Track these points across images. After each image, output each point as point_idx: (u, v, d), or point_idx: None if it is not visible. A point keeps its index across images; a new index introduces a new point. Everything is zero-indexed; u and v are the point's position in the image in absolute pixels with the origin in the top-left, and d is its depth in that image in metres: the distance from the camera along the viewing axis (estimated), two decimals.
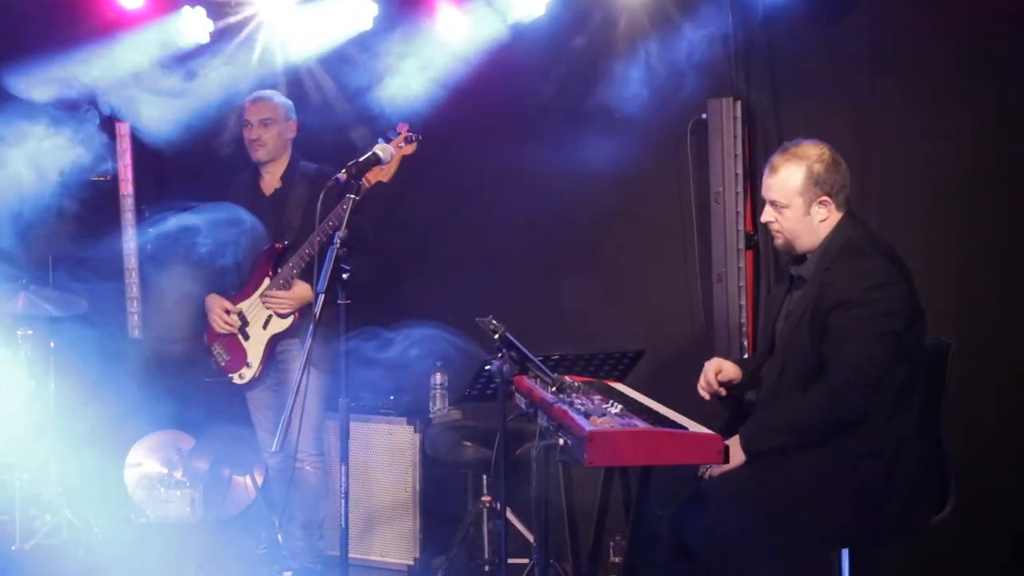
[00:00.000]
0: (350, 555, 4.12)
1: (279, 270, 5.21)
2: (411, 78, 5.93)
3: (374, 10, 6.10)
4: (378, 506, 5.71)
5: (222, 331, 5.33)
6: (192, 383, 6.14)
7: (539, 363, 3.92)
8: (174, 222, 5.78)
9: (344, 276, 4.05)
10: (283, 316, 5.23)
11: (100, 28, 6.40)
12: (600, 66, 5.80)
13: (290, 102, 5.52)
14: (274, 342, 5.32)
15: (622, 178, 5.76)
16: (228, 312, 5.32)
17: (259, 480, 5.98)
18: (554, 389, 3.90)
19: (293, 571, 5.35)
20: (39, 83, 6.19)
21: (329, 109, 6.29)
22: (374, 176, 4.56)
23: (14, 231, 6.43)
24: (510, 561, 4.29)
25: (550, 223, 6.02)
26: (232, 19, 6.40)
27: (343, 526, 4.02)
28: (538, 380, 4.02)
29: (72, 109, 6.34)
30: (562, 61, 5.94)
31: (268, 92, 5.51)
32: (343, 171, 4.20)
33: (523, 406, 4.18)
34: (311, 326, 4.06)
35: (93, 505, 6.13)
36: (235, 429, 5.81)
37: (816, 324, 3.81)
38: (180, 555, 5.68)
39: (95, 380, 6.53)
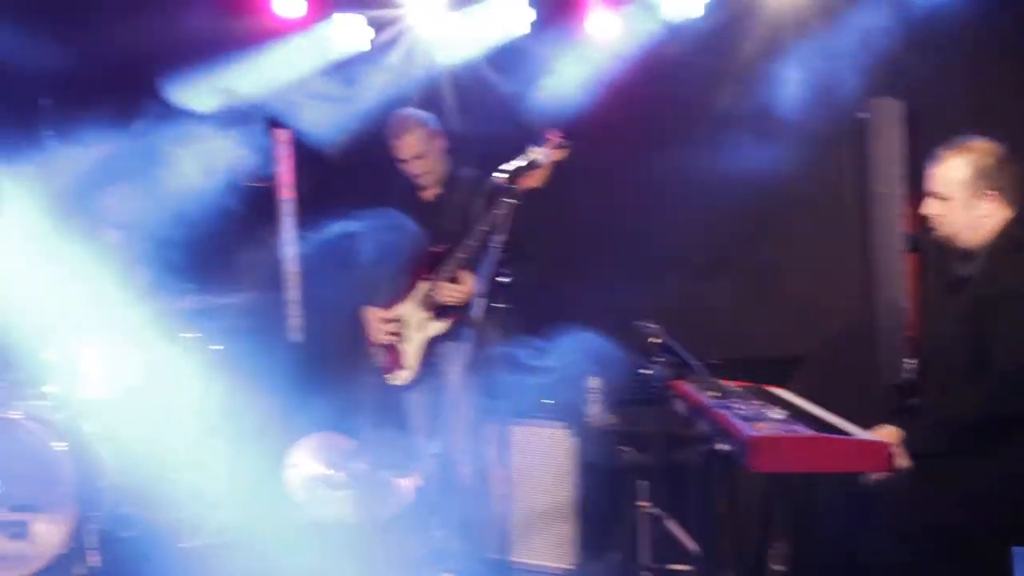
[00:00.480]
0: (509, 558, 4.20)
1: (437, 274, 5.43)
2: (564, 81, 6.08)
3: (531, 15, 6.27)
4: (536, 510, 5.85)
5: (383, 342, 5.57)
6: (351, 385, 6.38)
7: (699, 367, 4.01)
8: (335, 227, 6.04)
9: (503, 281, 4.21)
10: (445, 316, 5.42)
11: (260, 37, 6.74)
12: (757, 66, 5.86)
13: (430, 116, 5.68)
14: (431, 345, 5.52)
15: (779, 179, 5.79)
16: (386, 321, 5.56)
17: (418, 482, 6.17)
18: (714, 394, 3.98)
19: (453, 573, 5.53)
20: (202, 93, 6.56)
21: (483, 113, 6.48)
22: (528, 181, 4.71)
23: (181, 236, 6.80)
24: (669, 567, 4.36)
25: (705, 225, 6.08)
26: (387, 25, 6.67)
27: (504, 529, 4.14)
28: (697, 384, 4.11)
29: (234, 118, 6.69)
30: (718, 61, 6.01)
31: (409, 121, 5.63)
32: (502, 176, 4.36)
33: (682, 411, 4.27)
34: (469, 330, 4.22)
35: (257, 505, 6.43)
36: (394, 431, 6.04)
37: (984, 322, 3.80)
38: (341, 556, 5.90)
39: (257, 382, 6.86)
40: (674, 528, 5.39)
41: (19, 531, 5.49)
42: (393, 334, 5.57)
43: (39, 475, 5.54)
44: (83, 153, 6.29)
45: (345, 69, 6.68)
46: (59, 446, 5.55)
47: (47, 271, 5.68)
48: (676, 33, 6.05)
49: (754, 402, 4.03)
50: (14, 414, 5.56)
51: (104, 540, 5.62)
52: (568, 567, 5.80)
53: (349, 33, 6.62)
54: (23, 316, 5.56)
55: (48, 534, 5.48)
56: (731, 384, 4.08)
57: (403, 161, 5.57)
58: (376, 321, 5.59)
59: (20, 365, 5.84)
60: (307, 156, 7.12)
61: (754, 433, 3.55)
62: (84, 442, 5.80)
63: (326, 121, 6.49)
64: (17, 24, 5.80)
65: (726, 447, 3.69)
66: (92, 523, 5.58)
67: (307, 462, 6.59)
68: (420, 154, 5.53)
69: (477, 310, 4.18)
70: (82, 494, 5.56)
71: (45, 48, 5.87)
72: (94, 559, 5.59)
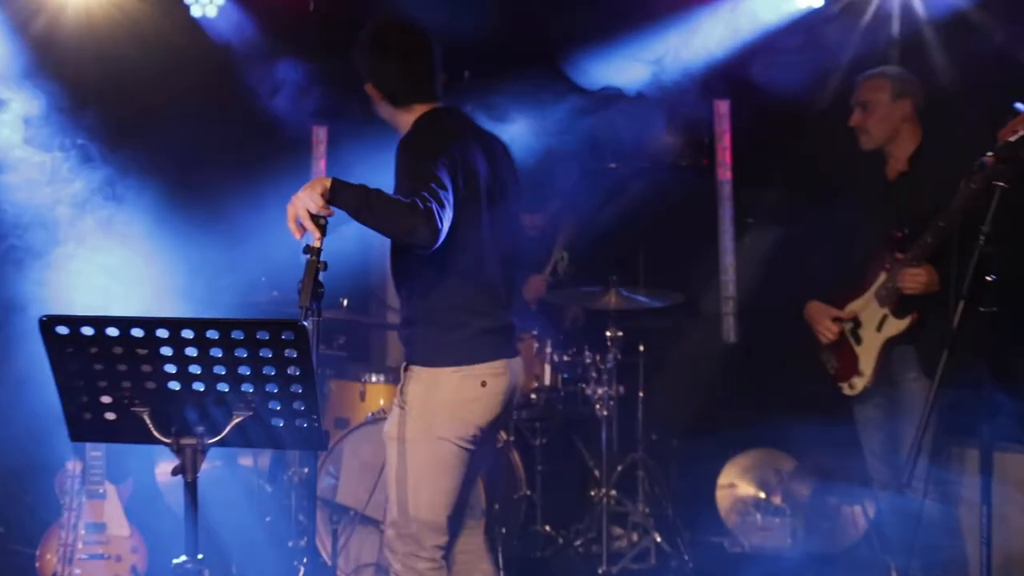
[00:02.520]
0: None
1: (898, 262, 5.30)
2: None
3: None
4: (1016, 555, 5.62)
5: (829, 341, 5.52)
6: (794, 394, 6.36)
7: None
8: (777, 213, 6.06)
9: (987, 279, 4.07)
10: (906, 312, 5.29)
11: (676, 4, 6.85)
12: None
13: (907, 77, 5.53)
14: (888, 347, 5.41)
15: None
16: (837, 318, 5.50)
17: (870, 512, 6.06)
18: None
19: None
20: (627, 65, 6.75)
21: (959, 79, 6.29)
22: None
23: (606, 223, 7.06)
24: None
25: None
26: None
27: (985, 574, 4.03)
28: None
29: (665, 90, 6.84)
30: None
31: (876, 70, 5.56)
32: (989, 154, 4.21)
33: None
34: (945, 335, 4.11)
35: (683, 528, 6.57)
36: (842, 450, 5.97)
37: None
38: None
39: (686, 388, 7.00)
40: None
41: None
42: (845, 334, 5.50)
43: None
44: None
45: (799, 27, 6.65)
46: None
47: None
48: None
49: None
50: None
51: (508, 558, 5.90)
52: None
53: None
54: None
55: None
56: None
57: (865, 133, 5.49)
58: (825, 318, 5.54)
59: None
60: (749, 130, 7.17)
61: None
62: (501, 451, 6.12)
63: (775, 88, 6.48)
64: None
65: None
66: (498, 536, 5.89)
67: (740, 482, 6.65)
68: (869, 103, 5.43)
69: (956, 315, 4.05)
70: (493, 505, 5.89)
71: (466, 20, 6.26)
72: None
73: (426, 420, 4.16)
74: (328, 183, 3.85)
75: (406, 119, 4.34)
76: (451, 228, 4.00)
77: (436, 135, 4.21)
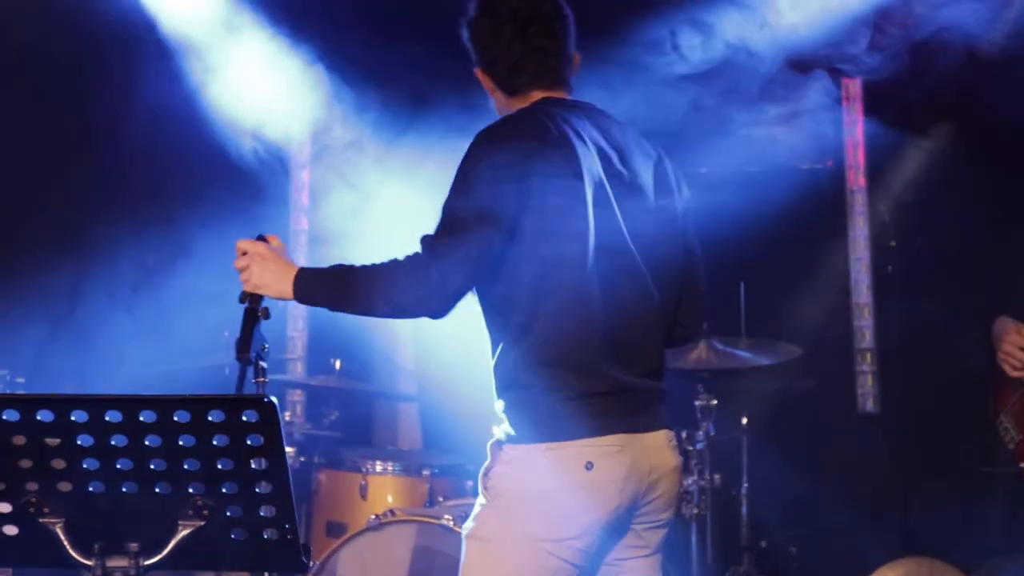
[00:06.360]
0: None
1: None
2: None
3: None
4: None
5: (1017, 373, 5.45)
6: (959, 480, 6.31)
7: None
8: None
9: None
10: None
11: None
12: None
13: None
14: None
15: None
16: None
17: None
18: None
19: None
20: (707, 39, 6.74)
21: None
22: None
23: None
24: None
25: None
26: None
27: None
28: None
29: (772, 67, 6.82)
30: None
31: None
32: None
33: None
34: None
35: None
36: None
37: None
38: None
39: (807, 476, 6.95)
40: None
41: None
42: None
43: None
44: None
45: None
46: None
47: None
48: None
49: None
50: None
51: None
52: None
53: None
54: None
55: None
56: None
57: None
58: (1017, 337, 5.49)
59: None
60: (890, 122, 7.14)
61: None
62: None
63: (927, 61, 6.44)
64: None
65: None
66: None
67: None
68: None
69: None
70: None
71: None
72: None
73: (515, 514, 4.09)
74: (289, 287, 4.02)
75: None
76: (539, 259, 4.01)
77: (513, 141, 4.11)
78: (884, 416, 7.34)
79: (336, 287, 3.98)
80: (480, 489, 4.17)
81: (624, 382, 4.16)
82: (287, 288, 3.99)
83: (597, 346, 4.12)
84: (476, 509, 4.15)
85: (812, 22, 6.66)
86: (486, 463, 4.15)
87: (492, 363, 4.21)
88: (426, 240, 3.96)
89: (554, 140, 4.12)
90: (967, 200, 6.56)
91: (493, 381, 4.21)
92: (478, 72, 4.33)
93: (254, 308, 3.87)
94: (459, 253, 3.93)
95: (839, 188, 7.41)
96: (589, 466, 4.04)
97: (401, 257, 3.94)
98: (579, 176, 4.10)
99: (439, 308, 3.95)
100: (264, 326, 3.96)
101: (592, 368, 4.12)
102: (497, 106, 4.38)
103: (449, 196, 4.03)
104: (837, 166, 7.38)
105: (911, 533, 6.65)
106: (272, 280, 4.00)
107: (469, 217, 3.95)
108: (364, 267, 3.97)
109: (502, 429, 4.13)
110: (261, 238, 4.05)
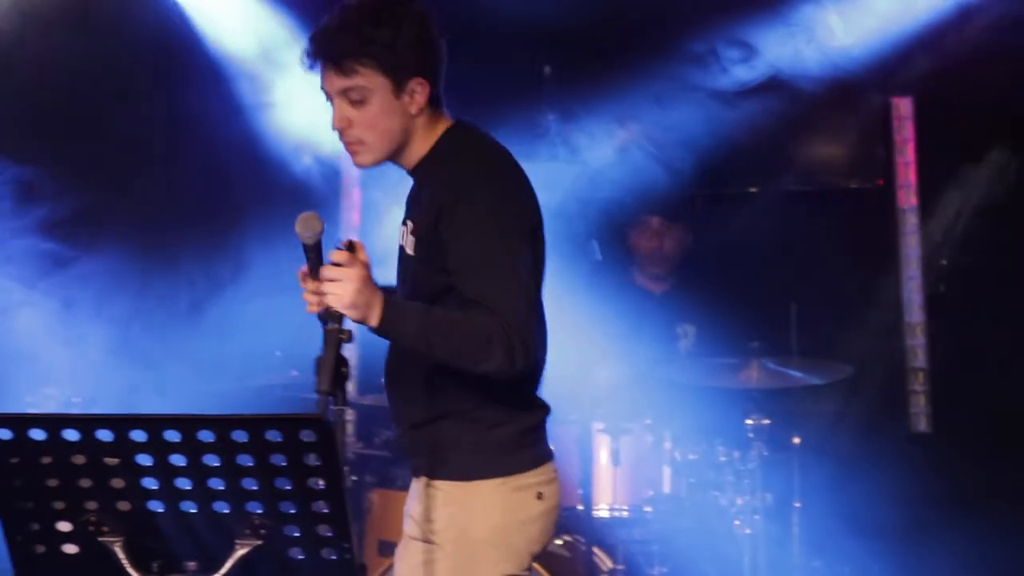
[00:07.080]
0: None
1: None
2: None
3: None
4: None
5: None
6: (1006, 505, 6.29)
7: None
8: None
9: None
10: None
11: None
12: None
13: None
14: None
15: None
16: None
17: None
18: None
19: None
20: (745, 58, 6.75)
21: None
22: None
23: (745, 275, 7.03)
24: None
25: None
26: None
27: None
28: None
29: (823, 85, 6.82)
30: None
31: None
32: None
33: None
34: None
35: None
36: None
37: None
38: None
39: (860, 496, 6.93)
40: None
41: None
42: None
43: None
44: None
45: None
46: None
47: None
48: None
49: None
50: None
51: None
52: None
53: None
54: None
55: None
56: None
57: None
58: None
59: None
60: (942, 140, 7.13)
61: None
62: None
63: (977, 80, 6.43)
64: None
65: None
66: None
67: None
68: None
69: None
70: None
71: (547, 7, 6.28)
72: None
73: (467, 556, 3.95)
74: (374, 316, 3.68)
75: (425, 140, 4.03)
76: None
77: (506, 179, 3.99)
78: (937, 436, 7.32)
79: (422, 335, 3.73)
80: (416, 533, 4.03)
81: (545, 406, 4.12)
82: (373, 316, 3.68)
83: (537, 376, 4.07)
84: (414, 557, 4.00)
85: (863, 42, 6.68)
86: (420, 507, 4.00)
87: (422, 392, 4.05)
88: (516, 324, 3.72)
89: (518, 173, 4.07)
90: (1021, 219, 6.55)
91: (410, 409, 4.09)
92: (362, 77, 3.92)
93: (336, 328, 3.57)
94: (542, 329, 3.91)
95: (890, 207, 7.40)
96: (540, 495, 4.00)
97: (493, 324, 3.69)
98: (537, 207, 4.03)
99: (514, 376, 3.75)
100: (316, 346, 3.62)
101: (532, 398, 4.08)
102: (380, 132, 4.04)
103: (486, 256, 3.81)
104: (888, 185, 7.37)
105: (962, 556, 6.60)
106: (362, 304, 3.65)
107: (528, 277, 3.84)
108: (455, 320, 3.75)
109: (439, 465, 4.00)
110: (349, 245, 3.75)
